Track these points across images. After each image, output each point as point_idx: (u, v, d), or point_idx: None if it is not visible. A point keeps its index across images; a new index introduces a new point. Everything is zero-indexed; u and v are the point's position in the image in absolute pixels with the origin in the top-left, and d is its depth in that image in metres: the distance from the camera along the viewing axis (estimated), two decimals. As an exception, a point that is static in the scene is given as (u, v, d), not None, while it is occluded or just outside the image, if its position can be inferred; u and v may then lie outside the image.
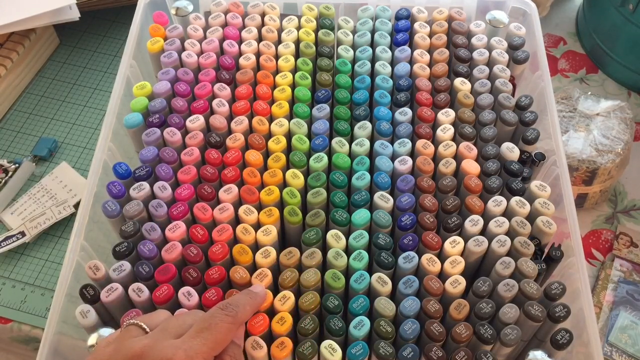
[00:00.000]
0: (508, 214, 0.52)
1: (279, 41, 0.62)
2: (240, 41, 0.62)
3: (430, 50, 0.62)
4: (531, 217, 0.51)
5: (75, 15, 0.79)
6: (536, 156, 0.56)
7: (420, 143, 0.55)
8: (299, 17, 0.63)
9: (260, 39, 0.63)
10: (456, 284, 0.47)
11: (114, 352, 0.40)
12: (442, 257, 0.50)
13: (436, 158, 0.55)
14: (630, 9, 0.77)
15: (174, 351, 0.39)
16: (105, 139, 0.57)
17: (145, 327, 0.41)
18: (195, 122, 0.56)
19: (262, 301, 0.46)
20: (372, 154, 0.55)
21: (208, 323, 0.41)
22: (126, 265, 0.49)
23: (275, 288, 0.49)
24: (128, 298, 0.48)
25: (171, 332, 0.41)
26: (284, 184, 0.53)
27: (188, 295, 0.47)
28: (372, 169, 0.54)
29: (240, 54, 0.61)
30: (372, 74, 0.60)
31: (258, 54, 0.61)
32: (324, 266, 0.49)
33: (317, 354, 0.45)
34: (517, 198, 0.52)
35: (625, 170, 0.75)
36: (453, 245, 0.49)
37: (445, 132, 0.56)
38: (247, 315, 0.44)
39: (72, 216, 0.71)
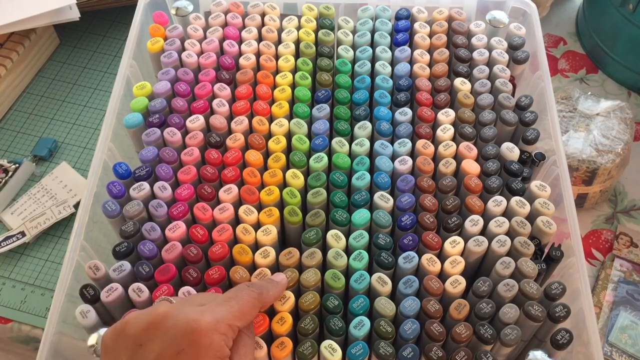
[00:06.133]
0: (508, 214, 0.52)
1: (279, 41, 0.62)
2: (240, 41, 0.62)
3: (430, 50, 0.62)
4: (531, 217, 0.51)
5: (75, 15, 0.79)
6: (536, 156, 0.56)
7: (420, 143, 0.55)
8: (299, 17, 0.63)
9: (260, 39, 0.63)
10: (456, 284, 0.47)
11: (140, 313, 0.39)
12: (442, 257, 0.50)
13: (436, 158, 0.55)
14: (630, 9, 0.77)
15: (200, 314, 0.38)
16: (105, 139, 0.57)
17: (173, 300, 0.42)
18: (195, 122, 0.56)
19: (283, 289, 0.46)
20: (372, 154, 0.55)
21: (234, 294, 0.41)
22: (126, 265, 0.49)
23: (275, 288, 0.49)
24: (128, 298, 0.48)
25: (195, 301, 0.41)
26: (284, 184, 0.53)
27: (188, 295, 0.47)
28: (372, 169, 0.54)
29: (240, 54, 0.61)
30: (372, 74, 0.60)
31: (258, 54, 0.61)
32: (324, 266, 0.49)
33: (317, 354, 0.45)
34: (517, 198, 0.52)
35: (625, 170, 0.75)
36: (453, 245, 0.49)
37: (445, 132, 0.56)
38: (270, 298, 0.44)
39: (72, 216, 0.71)
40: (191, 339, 0.37)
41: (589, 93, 0.75)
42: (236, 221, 0.52)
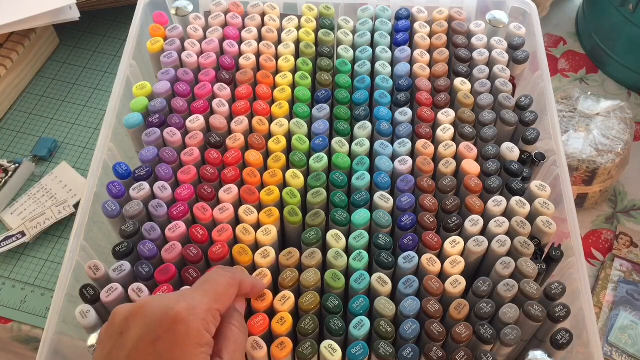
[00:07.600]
0: (508, 214, 0.52)
1: (279, 41, 0.62)
2: (240, 41, 0.62)
3: (430, 50, 0.62)
4: (531, 217, 0.51)
5: (75, 15, 0.79)
6: (536, 156, 0.56)
7: (420, 143, 0.55)
8: (299, 17, 0.63)
9: (260, 39, 0.63)
10: (456, 284, 0.47)
11: (126, 304, 0.40)
12: (442, 257, 0.50)
13: (436, 158, 0.55)
14: (630, 9, 0.77)
15: (176, 301, 0.38)
16: (105, 139, 0.57)
17: None
18: (195, 122, 0.56)
19: (260, 282, 0.47)
20: (372, 154, 0.55)
21: (207, 278, 0.41)
22: (126, 265, 0.49)
23: (275, 288, 0.49)
24: (128, 298, 0.48)
25: (176, 292, 0.41)
26: (284, 184, 0.53)
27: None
28: (372, 169, 0.54)
29: (240, 54, 0.61)
30: (372, 74, 0.60)
31: (258, 54, 0.61)
32: (324, 266, 0.49)
33: (317, 354, 0.45)
34: (517, 198, 0.52)
35: (625, 170, 0.75)
36: (453, 245, 0.49)
37: (445, 132, 0.56)
38: (247, 281, 0.44)
39: (72, 216, 0.71)
40: (167, 326, 0.37)
41: (589, 93, 0.75)
42: (236, 221, 0.52)
